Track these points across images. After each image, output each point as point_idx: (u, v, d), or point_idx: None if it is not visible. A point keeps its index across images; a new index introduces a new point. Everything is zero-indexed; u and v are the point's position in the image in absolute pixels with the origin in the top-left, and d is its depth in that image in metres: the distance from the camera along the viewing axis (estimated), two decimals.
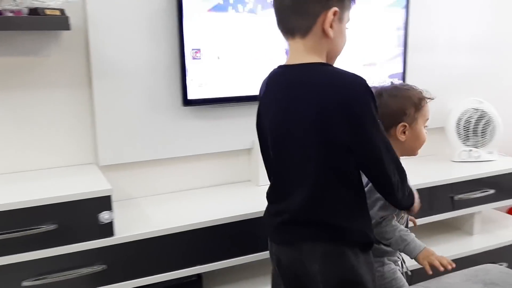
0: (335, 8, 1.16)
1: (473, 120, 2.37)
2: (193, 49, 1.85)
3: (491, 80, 2.61)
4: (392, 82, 1.56)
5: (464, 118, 2.38)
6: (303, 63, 1.19)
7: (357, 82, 1.13)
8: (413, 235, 1.45)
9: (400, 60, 2.27)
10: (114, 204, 1.55)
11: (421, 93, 1.50)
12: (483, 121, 2.38)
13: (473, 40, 2.55)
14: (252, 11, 1.91)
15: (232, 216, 1.73)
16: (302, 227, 1.24)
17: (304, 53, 1.19)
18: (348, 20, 1.22)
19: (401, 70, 2.28)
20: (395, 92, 1.48)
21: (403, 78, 2.29)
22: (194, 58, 1.85)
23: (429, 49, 2.42)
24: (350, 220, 1.22)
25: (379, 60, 2.23)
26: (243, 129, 2.06)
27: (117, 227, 1.57)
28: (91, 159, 1.86)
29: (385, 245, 1.50)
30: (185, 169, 2.03)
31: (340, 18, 1.19)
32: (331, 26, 1.16)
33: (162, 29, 1.84)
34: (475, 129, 2.37)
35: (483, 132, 2.38)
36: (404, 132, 1.47)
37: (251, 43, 1.95)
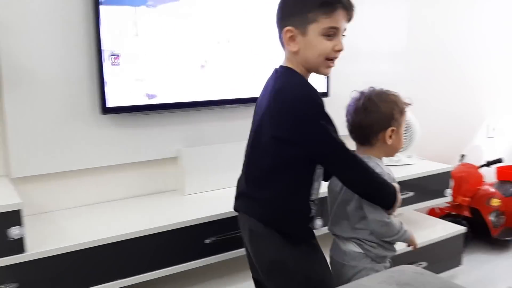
0: (287, 28, 1.37)
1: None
2: (111, 55, 1.78)
3: (409, 87, 2.71)
4: (372, 88, 1.59)
5: None
6: (277, 68, 1.45)
7: (295, 90, 1.36)
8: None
9: None
10: (29, 219, 1.48)
11: (401, 97, 1.59)
12: None
13: (393, 49, 2.66)
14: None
15: (157, 227, 1.69)
16: (245, 199, 1.54)
17: (284, 61, 1.45)
18: (328, 29, 1.35)
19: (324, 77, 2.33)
20: (384, 97, 1.55)
21: (327, 85, 2.34)
22: (113, 64, 1.79)
23: (352, 57, 2.49)
24: (284, 208, 1.43)
25: None
26: (168, 137, 2.02)
27: (30, 243, 1.47)
28: (2, 171, 1.75)
29: (387, 248, 1.59)
30: (107, 179, 1.95)
31: (301, 32, 1.36)
32: (291, 42, 1.38)
33: (78, 34, 1.77)
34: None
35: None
36: (391, 136, 1.55)
37: (171, 45, 1.91)
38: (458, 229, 2.50)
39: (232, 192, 2.08)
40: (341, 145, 1.38)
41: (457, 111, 3.10)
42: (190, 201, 1.98)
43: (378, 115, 1.52)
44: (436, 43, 2.91)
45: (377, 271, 1.52)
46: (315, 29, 1.35)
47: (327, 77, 2.34)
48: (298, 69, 1.41)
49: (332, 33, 1.36)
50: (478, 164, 3.00)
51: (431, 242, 2.38)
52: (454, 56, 3.02)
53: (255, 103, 2.15)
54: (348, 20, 1.39)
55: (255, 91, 2.10)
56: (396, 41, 2.69)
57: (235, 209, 1.59)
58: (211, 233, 1.79)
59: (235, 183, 2.12)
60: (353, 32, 2.51)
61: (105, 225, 1.71)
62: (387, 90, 1.59)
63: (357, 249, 1.57)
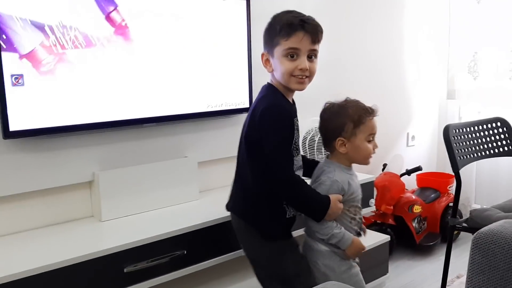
0: (262, 52, 1.63)
1: (316, 139, 2.47)
2: (13, 75, 1.64)
3: (328, 97, 2.76)
4: (346, 98, 1.70)
5: (309, 137, 2.48)
6: (264, 84, 1.68)
7: (263, 104, 1.57)
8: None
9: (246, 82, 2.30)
10: None
11: (363, 110, 1.65)
12: None
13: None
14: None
15: (71, 258, 1.57)
16: (231, 198, 1.74)
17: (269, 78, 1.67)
18: (287, 50, 1.52)
19: (247, 92, 2.31)
20: (337, 110, 1.66)
21: (250, 99, 2.32)
22: (15, 85, 1.65)
23: None
24: (259, 205, 1.63)
25: (226, 83, 2.23)
26: (81, 160, 1.90)
27: None
28: None
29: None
30: (14, 209, 1.80)
31: (271, 55, 1.58)
32: (266, 64, 1.63)
33: None
34: (319, 147, 2.48)
35: None
36: (344, 145, 1.65)
37: (82, 61, 1.80)
38: (383, 238, 2.54)
39: (152, 215, 2.00)
40: (280, 158, 1.55)
41: (379, 121, 3.19)
42: (107, 228, 1.87)
43: (330, 125, 1.66)
44: (357, 56, 2.98)
45: (348, 267, 1.68)
46: (278, 51, 1.55)
47: (250, 92, 2.31)
48: (278, 86, 1.61)
49: (293, 53, 1.53)
50: (399, 172, 3.09)
51: None
52: (376, 68, 3.11)
53: (173, 121, 2.10)
54: (313, 42, 1.55)
55: (174, 109, 2.06)
56: (321, 55, 2.72)
57: (226, 208, 1.77)
58: (131, 261, 1.68)
59: (155, 206, 2.05)
60: None
61: (11, 260, 1.56)
62: (351, 101, 1.68)
63: (325, 247, 1.67)
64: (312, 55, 1.58)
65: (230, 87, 2.25)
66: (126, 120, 1.94)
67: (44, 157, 1.82)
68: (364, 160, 1.70)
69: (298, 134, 1.66)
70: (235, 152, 2.38)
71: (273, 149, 1.54)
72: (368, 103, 1.71)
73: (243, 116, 2.38)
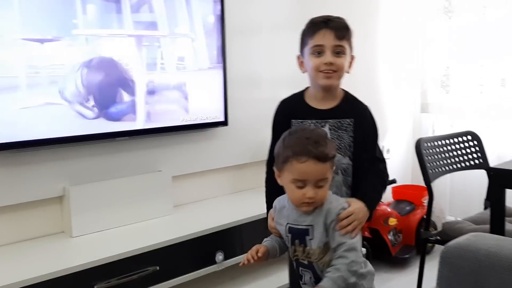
0: (297, 55, 1.68)
1: None
2: None
3: None
4: (309, 126, 1.57)
5: None
6: None
7: None
8: None
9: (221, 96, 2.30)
10: None
11: (296, 149, 1.39)
12: None
13: (293, 75, 2.70)
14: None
15: (40, 276, 1.53)
16: None
17: None
18: (313, 47, 1.58)
19: (221, 104, 2.31)
20: (282, 138, 1.45)
21: (225, 113, 2.31)
22: None
23: (253, 84, 2.50)
24: None
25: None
26: (52, 175, 1.87)
27: None
28: None
29: None
30: None
31: (303, 56, 1.64)
32: (301, 66, 1.67)
33: None
34: None
35: None
36: (279, 177, 1.46)
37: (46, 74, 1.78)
38: None
39: (124, 230, 1.97)
40: (269, 155, 1.62)
41: None
42: (77, 244, 1.84)
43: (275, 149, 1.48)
44: None
45: None
46: (307, 50, 1.61)
47: (225, 105, 2.31)
48: (311, 84, 1.66)
49: (319, 51, 1.57)
50: None
51: None
52: (350, 82, 3.13)
53: (146, 135, 2.09)
54: (337, 37, 1.57)
55: (148, 123, 2.05)
56: (295, 69, 2.74)
57: None
58: (101, 278, 1.66)
59: (128, 221, 2.02)
60: (252, 60, 2.57)
61: None
62: (301, 132, 1.44)
63: None
64: (339, 51, 1.58)
65: (205, 100, 2.25)
66: (98, 134, 1.91)
67: (13, 172, 1.78)
68: (293, 202, 1.45)
69: None
70: (210, 166, 2.39)
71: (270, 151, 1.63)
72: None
73: (218, 130, 2.39)
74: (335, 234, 1.42)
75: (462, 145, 2.45)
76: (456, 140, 2.44)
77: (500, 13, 3.10)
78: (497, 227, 1.85)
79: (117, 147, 2.04)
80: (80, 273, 1.62)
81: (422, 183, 3.45)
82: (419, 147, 2.21)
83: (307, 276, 1.50)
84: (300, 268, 1.51)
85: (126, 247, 1.75)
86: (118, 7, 1.92)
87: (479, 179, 3.19)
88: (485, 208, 2.48)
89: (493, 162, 2.55)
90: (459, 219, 3.25)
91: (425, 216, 3.13)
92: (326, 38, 1.57)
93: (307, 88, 1.69)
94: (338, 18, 1.63)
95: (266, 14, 2.54)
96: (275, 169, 1.47)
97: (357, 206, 1.47)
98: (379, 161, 1.64)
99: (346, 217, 1.42)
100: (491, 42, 3.15)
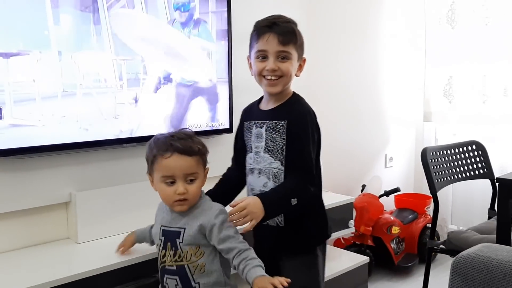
0: (247, 55, 1.64)
1: None
2: None
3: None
4: (181, 129, 1.59)
5: None
6: None
7: None
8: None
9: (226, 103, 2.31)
10: None
11: (159, 146, 1.45)
12: None
13: (295, 84, 2.72)
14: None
15: (45, 283, 1.51)
16: None
17: None
18: (257, 52, 1.56)
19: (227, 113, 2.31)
20: (150, 143, 1.51)
21: (230, 120, 2.31)
22: None
23: (257, 92, 2.49)
24: None
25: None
26: (58, 181, 1.86)
27: None
28: None
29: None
30: None
31: (250, 57, 1.61)
32: (250, 68, 1.65)
33: None
34: None
35: None
36: (152, 182, 1.50)
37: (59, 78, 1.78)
38: (362, 259, 2.55)
39: None
40: None
41: (358, 143, 3.23)
42: (83, 250, 1.83)
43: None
44: (334, 79, 3.02)
45: None
46: (252, 53, 1.59)
47: (230, 112, 2.32)
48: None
49: (263, 55, 1.55)
50: (378, 193, 3.12)
51: (338, 274, 2.40)
52: (353, 90, 3.16)
53: None
54: (282, 43, 1.52)
55: (154, 129, 2.05)
56: (296, 78, 2.75)
57: None
58: (106, 285, 1.64)
59: (133, 227, 2.01)
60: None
61: None
62: (168, 134, 1.50)
63: None
64: (283, 56, 1.54)
65: (211, 107, 2.25)
66: (105, 140, 1.91)
67: (20, 178, 1.77)
68: (166, 203, 1.49)
69: (250, 136, 1.63)
70: (216, 173, 2.38)
71: None
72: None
73: (224, 137, 2.39)
74: (222, 229, 1.42)
75: (466, 155, 2.45)
76: (461, 149, 2.44)
77: (503, 23, 3.12)
78: (503, 237, 1.85)
79: (124, 153, 2.04)
80: (86, 280, 1.60)
81: (424, 191, 3.49)
82: (425, 156, 2.21)
83: (172, 284, 1.49)
84: (166, 276, 1.50)
85: (131, 254, 1.74)
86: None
87: (481, 188, 3.20)
88: (489, 217, 2.49)
89: (496, 172, 2.56)
90: (461, 227, 3.26)
91: (428, 225, 3.16)
92: (269, 44, 1.53)
93: None
94: (285, 21, 1.56)
95: None
96: (148, 176, 1.51)
97: (251, 200, 1.44)
98: (304, 172, 1.52)
99: (239, 209, 1.41)
100: (494, 52, 3.16)
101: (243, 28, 2.37)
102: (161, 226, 1.52)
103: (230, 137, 2.36)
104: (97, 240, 1.91)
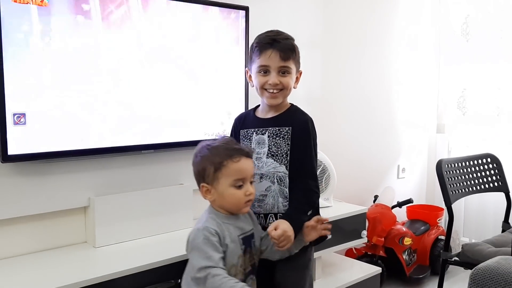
0: (246, 68, 1.76)
1: None
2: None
3: (325, 131, 2.81)
4: (222, 136, 1.66)
5: None
6: None
7: None
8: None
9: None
10: None
11: (226, 151, 1.48)
12: (318, 170, 2.52)
13: (309, 95, 2.74)
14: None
15: (65, 286, 1.54)
16: None
17: None
18: (259, 67, 1.64)
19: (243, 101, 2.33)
20: (202, 152, 1.52)
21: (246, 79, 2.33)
22: (16, 123, 1.66)
23: None
24: None
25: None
26: (78, 185, 1.89)
27: None
28: None
29: None
30: (8, 233, 1.77)
31: (250, 71, 1.70)
32: (249, 80, 1.73)
33: None
34: None
35: (319, 180, 2.52)
36: (209, 192, 1.51)
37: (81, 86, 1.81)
38: (374, 270, 2.55)
39: (146, 242, 1.99)
40: None
41: (371, 154, 3.24)
42: (101, 255, 1.85)
43: (195, 169, 1.54)
44: (348, 90, 3.04)
45: None
46: (254, 67, 1.67)
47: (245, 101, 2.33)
48: (260, 98, 1.73)
49: (265, 70, 1.64)
50: (390, 204, 3.12)
51: (350, 284, 2.40)
52: (366, 101, 3.17)
53: (170, 149, 2.11)
54: (283, 59, 1.62)
55: (171, 136, 2.08)
56: (312, 88, 2.79)
57: None
58: None
59: (150, 233, 2.04)
60: None
61: (6, 285, 1.53)
62: (218, 142, 1.54)
63: None
64: (284, 71, 1.65)
65: (227, 115, 2.27)
66: (125, 146, 1.94)
67: (41, 182, 1.80)
68: (234, 208, 1.51)
69: (249, 143, 1.70)
70: None
71: None
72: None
73: None
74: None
75: (481, 167, 2.45)
76: (475, 162, 2.44)
77: None
78: None
79: (142, 159, 2.06)
80: (102, 284, 1.62)
81: (436, 203, 3.48)
82: (440, 168, 2.22)
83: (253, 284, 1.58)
84: (249, 278, 1.55)
85: (148, 259, 1.75)
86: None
87: (494, 201, 3.19)
88: (503, 230, 2.48)
89: (510, 185, 2.55)
90: (473, 240, 3.25)
91: (440, 237, 3.15)
92: (272, 60, 1.63)
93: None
94: (285, 37, 1.67)
95: (288, 31, 2.57)
96: (203, 185, 1.52)
97: (285, 226, 1.52)
98: (311, 178, 1.65)
99: (279, 237, 1.50)
100: (509, 65, 3.17)
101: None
102: (239, 235, 1.52)
103: None
104: (115, 244, 1.93)
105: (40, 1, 1.67)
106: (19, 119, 1.67)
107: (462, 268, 2.32)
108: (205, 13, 2.13)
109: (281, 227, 1.52)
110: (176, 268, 1.79)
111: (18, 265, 1.72)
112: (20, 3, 1.63)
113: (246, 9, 2.27)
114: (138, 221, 2.00)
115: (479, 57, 3.31)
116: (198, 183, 1.54)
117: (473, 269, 1.23)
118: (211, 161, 1.48)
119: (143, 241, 1.99)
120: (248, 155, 1.52)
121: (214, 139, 1.60)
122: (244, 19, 2.27)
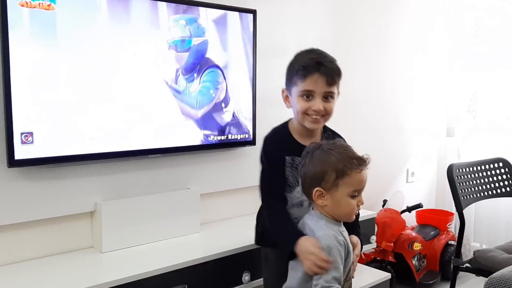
0: (282, 88, 1.64)
1: None
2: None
3: None
4: (337, 140, 1.57)
5: None
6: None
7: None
8: None
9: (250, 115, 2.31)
10: None
11: (351, 159, 1.40)
12: None
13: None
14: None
15: None
16: None
17: None
18: (303, 91, 1.54)
19: (251, 125, 2.31)
20: (322, 156, 1.42)
21: (253, 133, 2.32)
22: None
23: (279, 105, 2.50)
24: None
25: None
26: (84, 190, 1.88)
27: None
28: None
29: None
30: (15, 238, 1.76)
31: (289, 92, 1.61)
32: (286, 101, 1.64)
33: None
34: None
35: None
36: (323, 197, 1.41)
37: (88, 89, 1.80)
38: (384, 275, 2.51)
39: (153, 247, 1.97)
40: (262, 183, 1.61)
41: (380, 158, 3.21)
42: (107, 260, 1.83)
43: (308, 171, 1.43)
44: (358, 93, 3.01)
45: None
46: (295, 90, 1.57)
47: (253, 125, 2.32)
48: (293, 122, 1.64)
49: (307, 95, 1.55)
50: (399, 209, 3.08)
51: None
52: (376, 104, 3.14)
53: (177, 153, 2.10)
54: (329, 84, 1.54)
55: (179, 140, 2.06)
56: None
57: None
58: None
59: (156, 238, 2.02)
60: (280, 80, 2.55)
61: None
62: (340, 146, 1.45)
63: None
64: (328, 96, 1.57)
65: (236, 120, 2.26)
66: (132, 150, 1.93)
67: (47, 186, 1.79)
68: (345, 216, 1.45)
69: (297, 172, 1.56)
70: (238, 185, 2.39)
71: (260, 175, 1.63)
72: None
73: (247, 149, 2.39)
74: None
75: (492, 172, 2.41)
76: (487, 166, 2.40)
77: None
78: None
79: (149, 164, 2.05)
80: None
81: (446, 207, 3.44)
82: (451, 173, 2.18)
83: None
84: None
85: (155, 264, 1.74)
86: None
87: (506, 206, 3.15)
88: None
89: None
90: (484, 246, 3.21)
91: (450, 242, 3.11)
92: (317, 85, 1.54)
93: (289, 120, 1.66)
94: (330, 61, 1.58)
95: (295, 35, 2.56)
96: (318, 190, 1.41)
97: (360, 244, 1.55)
98: None
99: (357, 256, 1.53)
100: None
101: (268, 44, 2.41)
102: (346, 241, 1.46)
103: (253, 150, 2.37)
104: (121, 249, 1.92)
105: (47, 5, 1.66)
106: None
107: (474, 275, 2.28)
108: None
109: (358, 246, 1.53)
110: (184, 273, 1.78)
111: (25, 270, 1.71)
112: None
113: (253, 12, 2.26)
114: (145, 226, 1.98)
115: (490, 60, 3.27)
116: (311, 186, 1.42)
117: (488, 278, 1.20)
118: (333, 167, 1.39)
119: (150, 246, 1.98)
120: (366, 165, 1.43)
121: (330, 142, 1.50)
122: (252, 23, 2.26)
